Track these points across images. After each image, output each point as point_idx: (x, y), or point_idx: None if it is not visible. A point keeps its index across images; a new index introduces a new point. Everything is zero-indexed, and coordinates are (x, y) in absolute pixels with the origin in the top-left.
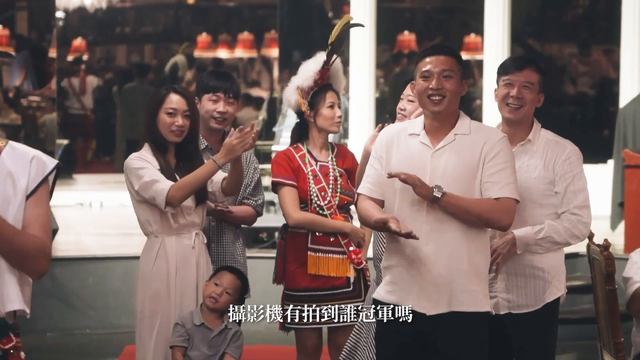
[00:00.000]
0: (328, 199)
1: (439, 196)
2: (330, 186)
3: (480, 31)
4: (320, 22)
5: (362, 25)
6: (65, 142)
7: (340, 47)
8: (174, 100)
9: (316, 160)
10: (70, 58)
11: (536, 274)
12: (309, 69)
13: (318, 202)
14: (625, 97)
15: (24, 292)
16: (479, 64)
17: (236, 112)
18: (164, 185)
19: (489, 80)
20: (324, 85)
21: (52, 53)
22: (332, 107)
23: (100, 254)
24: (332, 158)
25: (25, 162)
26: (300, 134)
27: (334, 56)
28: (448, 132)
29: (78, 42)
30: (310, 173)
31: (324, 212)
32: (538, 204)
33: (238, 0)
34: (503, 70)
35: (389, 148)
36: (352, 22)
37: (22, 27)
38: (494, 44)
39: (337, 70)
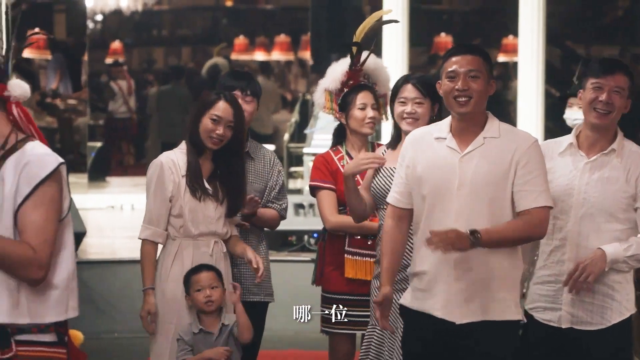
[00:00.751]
0: None
1: (478, 240)
2: None
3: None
4: (357, 24)
5: (397, 21)
6: (98, 144)
7: (370, 45)
8: (221, 107)
9: None
10: (109, 61)
11: (605, 292)
12: (335, 71)
13: None
14: None
15: (21, 301)
16: (517, 65)
17: (254, 110)
18: (145, 233)
19: (524, 83)
20: (357, 85)
21: (86, 56)
22: (363, 108)
23: (129, 257)
24: None
25: (18, 166)
26: (339, 135)
27: (364, 55)
28: (476, 134)
29: (115, 44)
30: None
31: None
32: (615, 217)
33: (275, 2)
34: (591, 72)
35: (415, 153)
36: (385, 18)
37: (60, 30)
38: (529, 45)
39: (376, 69)
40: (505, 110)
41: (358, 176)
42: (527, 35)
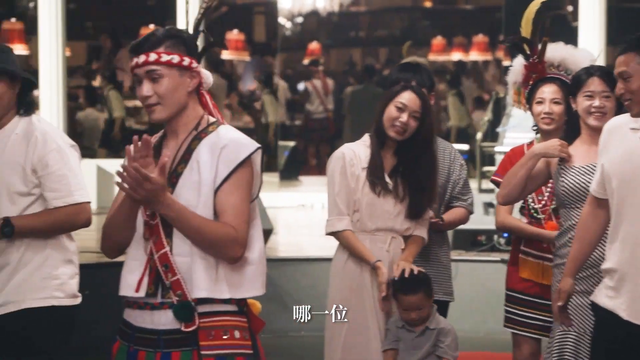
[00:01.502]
0: (544, 202)
1: None
2: (548, 188)
3: None
4: (552, 24)
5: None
6: (290, 144)
7: (541, 35)
8: (407, 97)
9: None
10: (306, 62)
11: None
12: (516, 64)
13: (533, 205)
14: None
15: (220, 277)
16: None
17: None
18: (342, 224)
19: None
20: (542, 78)
21: (281, 57)
22: (540, 102)
23: (318, 255)
24: None
25: (215, 149)
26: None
27: (539, 47)
28: None
29: (313, 45)
30: None
31: (538, 216)
32: None
33: (474, 2)
34: None
35: (608, 142)
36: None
37: (259, 32)
38: None
39: (564, 59)
40: None
41: None
42: None
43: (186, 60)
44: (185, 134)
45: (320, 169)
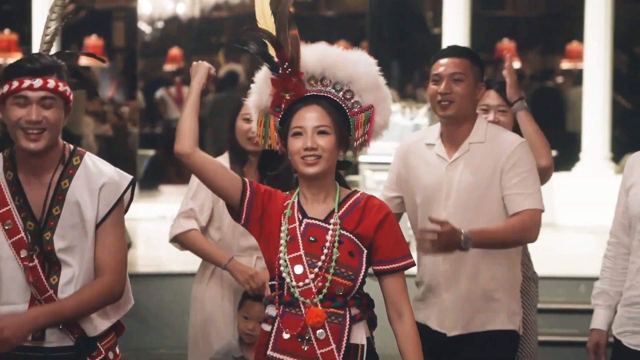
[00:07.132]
0: None
1: (469, 246)
2: None
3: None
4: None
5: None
6: (151, 152)
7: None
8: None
9: None
10: (167, 67)
11: None
12: (258, 79)
13: None
14: None
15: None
16: (581, 72)
17: None
18: (185, 226)
19: (590, 90)
20: (304, 98)
21: (141, 64)
22: (299, 134)
23: (179, 270)
24: None
25: (94, 188)
26: None
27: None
28: (463, 140)
29: (174, 51)
30: None
31: None
32: None
33: (336, 8)
34: None
35: (406, 160)
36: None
37: (118, 37)
38: (595, 51)
39: (331, 67)
40: (571, 117)
41: None
42: (593, 40)
43: (70, 94)
44: (51, 171)
45: (181, 179)
